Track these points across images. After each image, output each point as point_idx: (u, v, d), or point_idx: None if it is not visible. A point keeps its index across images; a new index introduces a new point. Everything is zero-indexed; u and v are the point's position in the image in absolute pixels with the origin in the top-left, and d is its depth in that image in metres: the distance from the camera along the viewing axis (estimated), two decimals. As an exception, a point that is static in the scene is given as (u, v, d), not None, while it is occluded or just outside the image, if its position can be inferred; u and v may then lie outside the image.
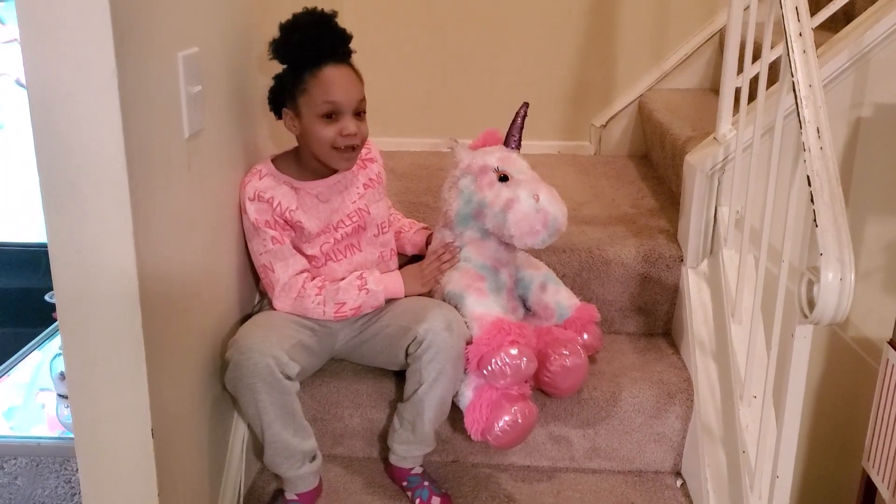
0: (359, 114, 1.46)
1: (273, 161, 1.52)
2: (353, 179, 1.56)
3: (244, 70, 1.51)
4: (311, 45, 1.41)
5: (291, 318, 1.48)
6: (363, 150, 1.54)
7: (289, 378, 1.39)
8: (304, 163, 1.51)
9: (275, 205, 1.47)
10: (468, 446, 1.61)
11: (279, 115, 1.50)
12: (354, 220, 1.55)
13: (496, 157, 1.56)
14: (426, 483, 1.53)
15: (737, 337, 1.53)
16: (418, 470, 1.55)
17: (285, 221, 1.48)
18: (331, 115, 1.42)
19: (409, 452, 1.54)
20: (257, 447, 1.51)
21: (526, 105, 1.61)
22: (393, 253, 1.65)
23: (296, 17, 1.42)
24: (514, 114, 1.61)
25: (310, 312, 1.49)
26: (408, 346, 1.46)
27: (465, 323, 1.48)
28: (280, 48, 1.43)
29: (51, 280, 1.06)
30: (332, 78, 1.42)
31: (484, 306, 1.51)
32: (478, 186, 1.54)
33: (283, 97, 1.47)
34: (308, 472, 1.48)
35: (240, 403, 1.42)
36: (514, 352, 1.42)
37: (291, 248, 1.49)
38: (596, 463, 1.64)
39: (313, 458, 1.49)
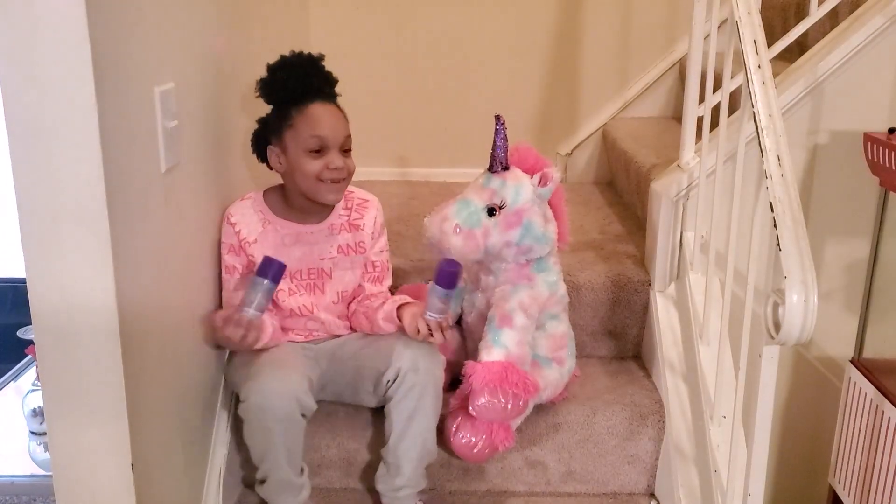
0: (345, 151, 1.48)
1: (265, 192, 1.54)
2: (329, 237, 1.55)
3: (219, 105, 1.52)
4: (299, 83, 1.44)
5: (293, 349, 1.51)
6: (354, 214, 1.56)
7: (304, 416, 1.41)
8: (288, 200, 1.53)
9: (237, 230, 1.49)
10: (445, 473, 1.62)
11: (262, 157, 1.52)
12: (312, 276, 1.55)
13: None
14: None
15: (705, 358, 1.57)
16: None
17: (243, 251, 1.49)
18: (318, 150, 1.44)
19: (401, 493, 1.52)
20: (233, 477, 1.50)
21: (500, 120, 1.52)
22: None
23: (283, 58, 1.45)
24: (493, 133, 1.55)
25: None
26: (384, 383, 1.47)
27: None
28: (267, 86, 1.45)
29: (14, 316, 1.05)
30: (319, 114, 1.44)
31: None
32: None
33: (266, 137, 1.49)
34: (303, 499, 1.49)
35: (251, 442, 1.42)
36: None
37: (239, 280, 1.50)
38: (571, 486, 1.65)
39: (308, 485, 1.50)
